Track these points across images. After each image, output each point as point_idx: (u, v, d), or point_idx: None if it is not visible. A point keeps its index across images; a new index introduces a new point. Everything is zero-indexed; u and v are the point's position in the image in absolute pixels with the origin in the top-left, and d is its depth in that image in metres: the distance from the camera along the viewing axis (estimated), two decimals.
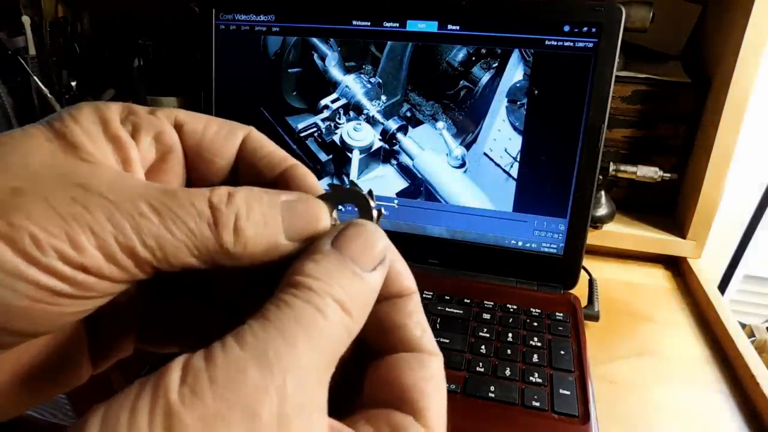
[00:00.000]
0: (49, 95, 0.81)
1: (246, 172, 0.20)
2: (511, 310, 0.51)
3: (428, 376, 0.17)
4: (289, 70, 0.60)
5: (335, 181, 0.61)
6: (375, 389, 0.17)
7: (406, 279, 0.19)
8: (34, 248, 0.13)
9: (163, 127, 0.18)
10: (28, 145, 0.15)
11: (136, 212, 0.14)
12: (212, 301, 0.21)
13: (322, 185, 0.20)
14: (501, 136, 0.56)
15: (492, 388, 0.42)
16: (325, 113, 0.60)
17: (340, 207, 0.19)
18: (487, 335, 0.48)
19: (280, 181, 0.19)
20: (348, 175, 0.60)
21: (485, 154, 0.56)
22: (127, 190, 0.15)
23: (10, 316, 0.13)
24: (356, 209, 0.19)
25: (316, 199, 0.18)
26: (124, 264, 0.14)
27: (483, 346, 0.46)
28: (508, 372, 0.43)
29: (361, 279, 0.16)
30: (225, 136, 0.19)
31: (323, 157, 0.61)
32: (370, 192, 0.20)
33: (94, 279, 0.14)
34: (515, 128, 0.55)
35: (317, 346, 0.14)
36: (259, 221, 0.16)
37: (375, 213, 0.19)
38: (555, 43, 0.52)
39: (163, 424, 0.11)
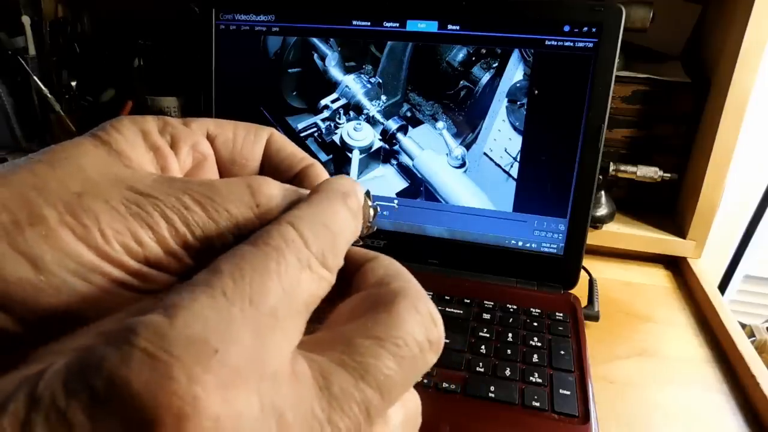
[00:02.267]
0: (49, 95, 0.81)
1: (269, 170, 0.22)
2: (511, 310, 0.51)
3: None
4: (289, 70, 0.60)
5: None
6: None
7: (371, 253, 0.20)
8: (105, 244, 0.15)
9: (198, 137, 0.20)
10: (81, 153, 0.17)
11: (183, 207, 0.16)
12: None
13: None
14: (501, 136, 0.56)
15: (492, 388, 0.42)
16: (325, 113, 0.60)
17: None
18: (487, 335, 0.48)
19: (298, 178, 0.21)
20: (348, 175, 0.60)
21: (485, 154, 0.56)
22: (171, 188, 0.16)
23: (83, 305, 0.15)
24: None
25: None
26: (179, 254, 0.16)
27: (483, 346, 0.46)
28: (508, 372, 0.43)
29: (346, 209, 0.17)
30: (252, 141, 0.21)
31: (323, 157, 0.61)
32: (367, 192, 0.20)
33: (156, 271, 0.15)
34: (515, 128, 0.55)
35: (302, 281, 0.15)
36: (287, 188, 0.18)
37: (371, 211, 0.20)
38: (555, 43, 0.52)
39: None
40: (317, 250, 0.15)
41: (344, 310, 0.17)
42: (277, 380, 0.13)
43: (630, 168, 0.64)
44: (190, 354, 0.11)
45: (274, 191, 0.18)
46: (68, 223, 0.15)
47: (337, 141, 0.60)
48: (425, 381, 0.42)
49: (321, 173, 0.21)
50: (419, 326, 0.16)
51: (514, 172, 0.56)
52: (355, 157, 0.60)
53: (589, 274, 0.59)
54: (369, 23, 0.56)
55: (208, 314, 0.12)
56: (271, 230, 0.15)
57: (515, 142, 0.55)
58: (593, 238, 0.66)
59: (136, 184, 0.16)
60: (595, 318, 0.54)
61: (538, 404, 0.40)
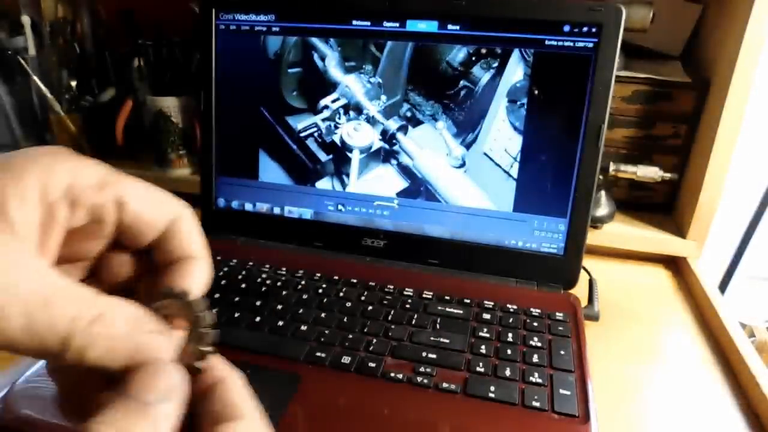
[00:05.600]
0: (49, 95, 0.81)
1: (162, 246, 0.22)
2: (511, 310, 0.51)
3: None
4: (289, 70, 0.60)
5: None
6: None
7: (216, 366, 0.20)
8: None
9: (102, 204, 0.20)
10: None
11: (6, 314, 0.16)
12: None
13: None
14: (501, 136, 0.56)
15: (492, 388, 0.42)
16: (325, 113, 0.60)
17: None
18: (487, 335, 0.48)
19: (178, 265, 0.22)
20: (348, 176, 0.60)
21: (485, 154, 0.56)
22: (11, 284, 0.16)
23: None
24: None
25: (167, 341, 0.19)
26: None
27: (483, 346, 0.46)
28: (508, 372, 0.43)
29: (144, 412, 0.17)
30: (157, 218, 0.22)
31: (323, 157, 0.61)
32: (192, 301, 0.20)
33: None
34: (515, 128, 0.55)
35: None
36: (106, 351, 0.17)
37: (206, 331, 0.20)
38: (555, 43, 0.52)
39: None
40: None
41: None
42: None
43: (630, 168, 0.64)
44: None
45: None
46: None
47: (337, 141, 0.60)
48: (425, 381, 0.42)
49: (190, 273, 0.22)
50: None
51: (514, 172, 0.56)
52: (355, 157, 0.60)
53: (589, 274, 0.59)
54: (369, 23, 0.56)
55: None
56: None
57: (515, 142, 0.55)
58: (593, 238, 0.66)
59: None
60: (595, 318, 0.54)
61: (538, 404, 0.40)
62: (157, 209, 0.22)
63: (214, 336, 0.20)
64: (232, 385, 0.20)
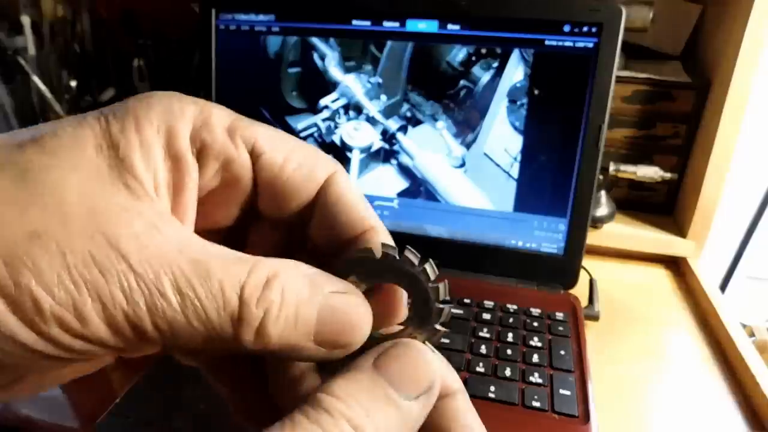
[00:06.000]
0: (49, 95, 0.81)
1: (321, 216, 0.17)
2: (511, 310, 0.51)
3: None
4: (289, 70, 0.60)
5: None
6: None
7: (447, 377, 0.16)
8: (35, 314, 0.12)
9: (236, 154, 0.16)
10: (72, 161, 0.13)
11: (156, 288, 0.13)
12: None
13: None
14: (501, 136, 0.55)
15: (492, 388, 0.42)
16: (325, 113, 0.60)
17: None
18: (487, 335, 0.48)
19: (352, 243, 0.17)
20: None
21: (485, 154, 0.56)
22: (155, 253, 0.13)
23: None
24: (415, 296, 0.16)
25: (364, 304, 0.15)
26: (129, 337, 0.13)
27: (483, 346, 0.46)
28: (508, 372, 0.43)
29: (395, 407, 0.14)
30: (305, 176, 0.17)
31: None
32: (437, 281, 0.16)
33: (95, 347, 0.13)
34: (515, 128, 0.55)
35: None
36: (290, 321, 0.14)
37: (443, 310, 0.16)
38: (555, 43, 0.52)
39: None
40: None
41: None
42: None
43: (630, 168, 0.64)
44: None
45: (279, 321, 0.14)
46: None
47: (337, 141, 0.60)
48: None
49: (379, 244, 0.17)
50: None
51: (514, 172, 0.56)
52: (355, 157, 0.60)
53: (590, 274, 0.59)
54: (369, 23, 0.56)
55: None
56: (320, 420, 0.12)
57: (515, 142, 0.55)
58: (593, 238, 0.66)
59: (116, 232, 0.13)
60: (595, 318, 0.54)
61: (538, 404, 0.40)
62: (305, 164, 0.17)
63: (449, 313, 0.16)
64: (467, 400, 0.17)
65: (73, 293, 0.12)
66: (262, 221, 0.18)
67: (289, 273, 0.14)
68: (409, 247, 0.15)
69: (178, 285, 0.13)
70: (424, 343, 0.15)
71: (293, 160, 0.17)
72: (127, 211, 0.13)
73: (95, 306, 0.12)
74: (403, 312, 0.16)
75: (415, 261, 0.16)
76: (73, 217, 0.12)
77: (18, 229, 0.12)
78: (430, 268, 0.16)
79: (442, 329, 0.16)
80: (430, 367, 0.15)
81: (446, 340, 0.47)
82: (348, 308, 0.15)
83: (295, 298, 0.14)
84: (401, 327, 0.16)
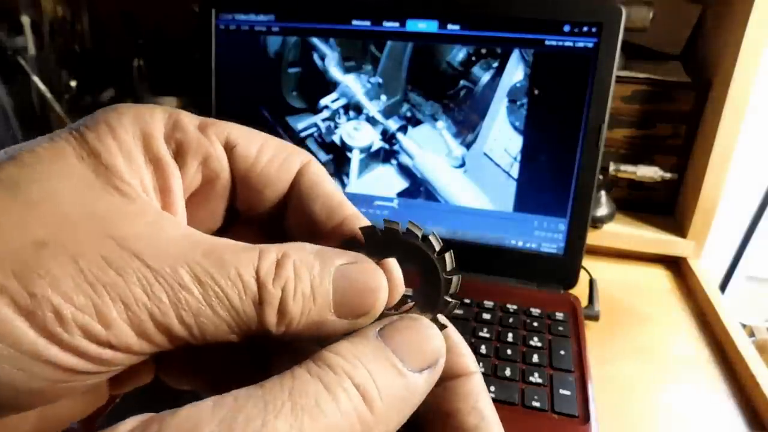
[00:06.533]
0: (49, 95, 0.81)
1: (297, 206, 0.17)
2: (511, 310, 0.51)
3: None
4: (289, 70, 0.60)
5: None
6: None
7: (463, 356, 0.16)
8: (56, 325, 0.11)
9: (212, 149, 0.16)
10: (58, 172, 0.13)
11: (176, 282, 0.12)
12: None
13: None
14: (501, 136, 0.55)
15: (492, 388, 0.42)
16: (325, 113, 0.60)
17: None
18: (487, 335, 0.48)
19: (333, 233, 0.16)
20: (348, 175, 0.60)
21: (485, 154, 0.56)
22: (167, 249, 0.13)
23: (20, 398, 0.12)
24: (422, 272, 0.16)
25: (376, 268, 0.15)
26: (156, 340, 0.12)
27: (483, 346, 0.46)
28: (508, 372, 0.43)
29: (401, 375, 0.13)
30: (279, 166, 0.17)
31: (323, 157, 0.60)
32: (448, 257, 0.16)
33: (121, 354, 0.12)
34: (515, 128, 0.55)
35: (306, 430, 0.11)
36: (308, 297, 0.14)
37: (451, 280, 0.15)
38: (555, 43, 0.52)
39: None
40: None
41: None
42: None
43: (630, 168, 0.64)
44: None
45: (306, 290, 0.13)
46: (10, 291, 0.11)
47: (337, 141, 0.60)
48: None
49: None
50: None
51: (514, 172, 0.56)
52: (355, 157, 0.60)
53: (589, 274, 0.59)
54: (369, 23, 0.56)
55: None
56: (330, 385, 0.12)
57: (515, 142, 0.55)
58: (593, 238, 0.66)
59: (124, 233, 0.12)
60: (595, 318, 0.54)
61: (538, 404, 0.40)
62: (278, 154, 0.17)
63: (457, 283, 0.16)
64: (482, 384, 0.16)
65: (94, 297, 0.12)
66: (241, 222, 0.18)
67: (297, 251, 0.14)
68: (412, 221, 0.15)
69: (197, 276, 0.12)
70: (435, 319, 0.15)
71: (266, 151, 0.17)
72: (127, 213, 0.13)
73: (117, 307, 0.12)
74: (402, 285, 0.16)
75: (419, 233, 0.16)
76: (76, 224, 0.12)
77: (21, 240, 0.11)
78: (435, 239, 0.16)
79: (453, 301, 0.16)
80: (436, 342, 0.14)
81: None
82: (361, 274, 0.15)
83: (308, 273, 0.14)
84: (409, 305, 0.16)
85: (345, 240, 0.16)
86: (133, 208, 0.13)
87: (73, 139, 0.14)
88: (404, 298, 0.16)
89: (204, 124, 0.16)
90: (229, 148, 0.16)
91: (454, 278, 0.16)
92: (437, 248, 0.16)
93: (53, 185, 0.12)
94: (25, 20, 0.81)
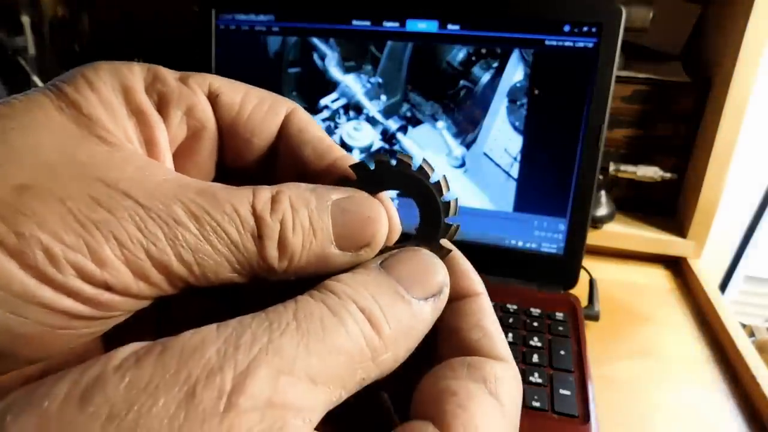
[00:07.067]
0: None
1: (286, 154, 0.17)
2: (511, 310, 0.51)
3: (476, 378, 0.13)
4: (289, 70, 0.60)
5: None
6: (414, 403, 0.14)
7: (470, 279, 0.16)
8: (47, 264, 0.11)
9: (196, 99, 0.15)
10: (37, 120, 0.12)
11: (171, 218, 0.12)
12: (245, 305, 0.19)
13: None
14: (501, 136, 0.55)
15: None
16: (325, 113, 0.60)
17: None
18: None
19: (324, 175, 0.16)
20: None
21: (485, 154, 0.56)
22: (158, 188, 0.12)
23: (17, 344, 0.11)
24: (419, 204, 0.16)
25: (372, 199, 0.15)
26: (155, 280, 0.12)
27: None
28: None
29: (406, 302, 0.13)
30: (265, 113, 0.16)
31: None
32: (442, 180, 0.15)
33: (119, 298, 0.12)
34: (515, 128, 0.55)
35: (315, 351, 0.11)
36: (307, 230, 0.13)
37: (450, 226, 0.15)
38: (555, 43, 0.52)
39: (90, 388, 0.10)
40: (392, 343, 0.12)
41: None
42: None
43: (630, 168, 0.64)
44: None
45: (303, 221, 0.13)
46: None
47: (337, 141, 0.60)
48: None
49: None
50: None
51: (514, 172, 0.56)
52: (355, 157, 0.60)
53: (590, 274, 0.59)
54: (369, 23, 0.56)
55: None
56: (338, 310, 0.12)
57: (515, 142, 0.55)
58: (593, 238, 0.66)
59: (112, 176, 0.12)
60: (595, 318, 0.54)
61: (538, 404, 0.40)
62: (263, 101, 0.16)
63: (455, 231, 0.16)
64: (486, 304, 0.16)
65: (85, 236, 0.11)
66: (231, 179, 0.18)
67: (291, 188, 0.14)
68: (401, 152, 0.15)
69: (193, 212, 0.12)
70: (438, 244, 0.16)
71: (251, 99, 0.16)
72: (114, 159, 0.12)
73: (111, 245, 0.11)
74: (397, 217, 0.16)
75: (411, 163, 0.15)
76: (60, 168, 0.11)
77: (2, 185, 0.11)
78: (427, 166, 0.15)
79: (454, 223, 0.16)
80: (438, 271, 0.14)
81: None
82: (359, 206, 0.14)
83: (305, 207, 0.13)
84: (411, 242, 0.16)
85: (337, 179, 0.16)
86: (120, 155, 0.13)
87: (51, 93, 0.13)
88: (405, 236, 0.16)
89: (185, 75, 0.16)
90: (212, 98, 0.16)
91: (452, 201, 0.15)
92: (431, 175, 0.15)
93: (33, 134, 0.12)
94: (25, 20, 0.81)
